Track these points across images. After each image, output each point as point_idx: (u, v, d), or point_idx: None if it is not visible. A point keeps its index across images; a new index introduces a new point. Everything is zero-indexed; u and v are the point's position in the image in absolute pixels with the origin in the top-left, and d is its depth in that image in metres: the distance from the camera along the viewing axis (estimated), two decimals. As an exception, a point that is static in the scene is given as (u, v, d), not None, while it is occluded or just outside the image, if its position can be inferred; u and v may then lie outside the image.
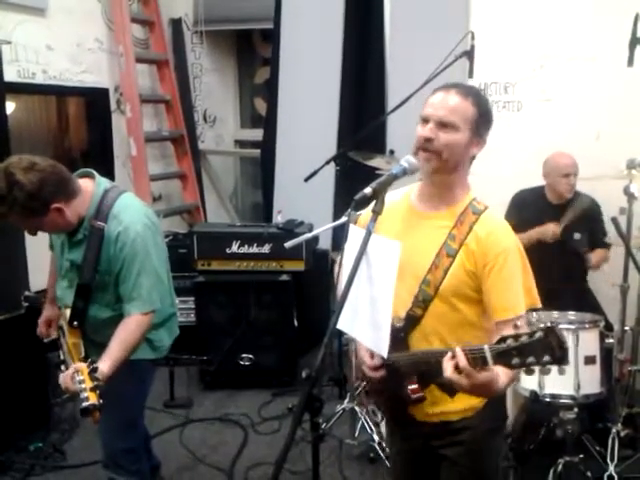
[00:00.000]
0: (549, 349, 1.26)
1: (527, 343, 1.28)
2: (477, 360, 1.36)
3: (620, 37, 3.53)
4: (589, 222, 3.21)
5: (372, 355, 1.70)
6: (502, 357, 1.32)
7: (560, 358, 1.27)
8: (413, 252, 1.60)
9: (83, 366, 1.93)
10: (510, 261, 1.57)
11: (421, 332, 1.63)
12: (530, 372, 1.32)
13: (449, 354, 1.41)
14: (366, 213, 1.65)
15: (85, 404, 1.85)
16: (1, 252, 3.07)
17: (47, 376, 3.19)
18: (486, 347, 1.34)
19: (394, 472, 1.98)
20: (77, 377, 1.90)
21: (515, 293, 1.56)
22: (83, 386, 1.87)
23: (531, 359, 1.28)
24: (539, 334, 1.27)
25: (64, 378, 1.97)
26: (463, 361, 1.37)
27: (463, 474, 1.72)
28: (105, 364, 2.00)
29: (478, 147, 1.61)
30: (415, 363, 1.58)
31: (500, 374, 1.44)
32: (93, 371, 1.92)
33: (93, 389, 1.88)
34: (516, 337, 1.30)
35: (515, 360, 1.30)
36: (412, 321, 1.62)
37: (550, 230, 3.10)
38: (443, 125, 1.54)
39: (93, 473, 2.95)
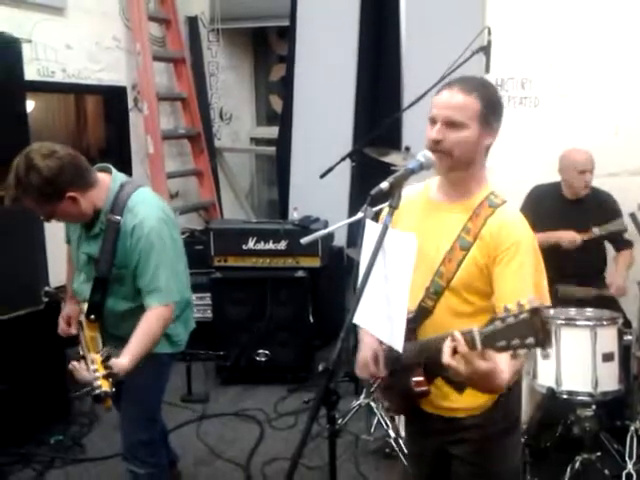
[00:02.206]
0: (533, 331, 1.24)
1: (512, 324, 1.26)
2: (468, 343, 1.34)
3: (637, 30, 3.49)
4: (605, 216, 3.17)
5: (376, 359, 1.69)
6: (489, 339, 1.30)
7: (542, 340, 1.24)
8: (428, 244, 1.60)
9: (97, 356, 1.98)
10: (521, 254, 1.54)
11: (432, 324, 1.62)
12: (515, 356, 1.30)
13: (449, 337, 1.38)
14: (386, 209, 1.64)
15: (97, 391, 1.89)
16: (21, 248, 3.11)
17: (66, 370, 3.22)
18: (475, 329, 1.33)
19: (411, 473, 1.97)
20: (92, 367, 1.94)
21: (521, 285, 1.53)
22: (97, 375, 1.92)
23: (516, 341, 1.25)
24: (524, 315, 1.24)
25: (79, 370, 1.99)
26: (462, 344, 1.34)
27: (475, 473, 1.70)
28: (125, 358, 2.02)
29: (490, 138, 1.59)
30: (420, 351, 1.57)
31: (503, 369, 1.42)
32: (106, 359, 1.96)
33: (106, 377, 1.92)
34: (503, 319, 1.28)
35: (501, 342, 1.28)
36: (423, 312, 1.62)
37: (570, 237, 3.07)
38: (450, 124, 1.54)
39: (112, 466, 2.99)
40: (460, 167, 1.58)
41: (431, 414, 1.70)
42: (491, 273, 1.56)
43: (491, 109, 1.57)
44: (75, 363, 1.99)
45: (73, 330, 2.39)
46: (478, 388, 1.49)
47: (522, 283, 1.53)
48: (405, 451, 2.84)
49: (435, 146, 1.55)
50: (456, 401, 1.64)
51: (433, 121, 1.56)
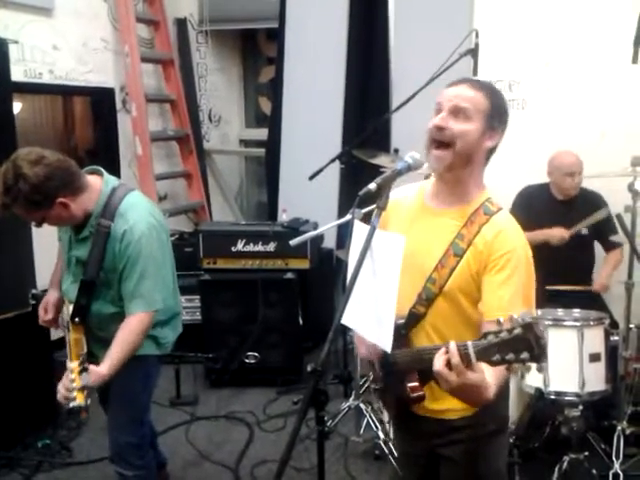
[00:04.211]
0: (528, 346, 1.24)
1: (506, 339, 1.26)
2: (463, 357, 1.34)
3: (625, 34, 3.53)
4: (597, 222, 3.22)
5: (371, 362, 1.70)
6: (484, 353, 1.30)
7: (538, 355, 1.24)
8: (421, 249, 1.60)
9: (75, 366, 1.98)
10: (512, 263, 1.53)
11: (423, 330, 1.62)
12: (511, 370, 1.30)
13: (442, 349, 1.38)
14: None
15: (72, 404, 1.91)
16: (8, 250, 3.09)
17: (54, 373, 3.21)
18: (469, 343, 1.33)
19: (401, 475, 1.97)
20: (70, 376, 1.95)
21: (509, 295, 1.52)
22: (73, 385, 1.93)
23: (510, 356, 1.26)
24: (518, 330, 1.25)
25: (62, 385, 2.01)
26: (456, 357, 1.34)
27: (464, 475, 1.71)
28: (105, 365, 2.04)
29: (492, 140, 1.58)
30: (412, 360, 1.57)
31: (490, 383, 1.41)
32: (83, 371, 1.96)
33: (81, 389, 1.93)
34: (497, 333, 1.28)
35: (496, 356, 1.28)
36: (414, 318, 1.62)
37: (558, 234, 3.11)
38: (456, 112, 1.53)
39: (100, 470, 2.98)
40: (459, 164, 1.56)
41: (422, 416, 1.70)
42: (481, 280, 1.56)
43: (497, 113, 1.58)
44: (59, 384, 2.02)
45: (50, 315, 2.35)
46: (464, 400, 1.48)
47: (510, 294, 1.52)
48: (395, 453, 2.86)
49: (437, 133, 1.53)
50: (448, 402, 1.63)
51: (438, 110, 1.56)
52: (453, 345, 1.35)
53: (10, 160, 2.00)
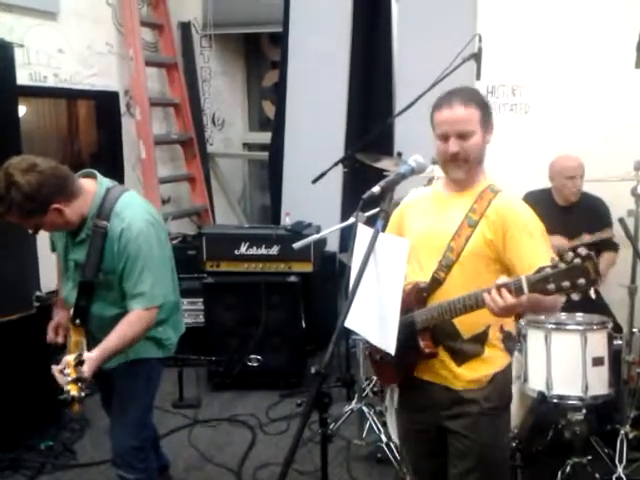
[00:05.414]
0: (585, 273, 1.38)
1: (564, 269, 1.40)
2: (511, 292, 1.49)
3: (627, 39, 3.53)
4: (596, 221, 3.21)
5: None
6: (538, 284, 1.44)
7: (594, 280, 1.39)
8: (438, 226, 1.80)
9: (71, 359, 1.98)
10: (530, 226, 1.72)
11: (442, 294, 1.75)
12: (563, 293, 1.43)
13: (490, 293, 1.52)
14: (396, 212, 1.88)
15: (64, 395, 1.90)
16: (12, 253, 3.10)
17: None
18: (523, 277, 1.47)
19: (406, 453, 2.02)
20: (65, 370, 1.95)
21: (541, 250, 1.68)
22: (68, 379, 1.93)
23: (566, 283, 1.40)
24: (577, 260, 1.38)
25: (55, 374, 2.00)
26: (506, 296, 1.49)
27: (470, 447, 1.78)
28: (97, 350, 2.04)
29: (490, 134, 1.81)
30: (438, 313, 1.71)
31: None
32: (79, 364, 1.96)
33: (75, 381, 1.93)
34: (553, 266, 1.42)
35: (551, 286, 1.42)
36: (436, 283, 1.77)
37: (557, 244, 3.06)
38: (462, 136, 1.73)
39: (103, 472, 2.98)
40: (474, 166, 1.78)
41: (430, 383, 1.80)
42: (500, 249, 1.72)
43: (486, 111, 1.79)
44: (54, 367, 2.00)
45: (60, 339, 2.37)
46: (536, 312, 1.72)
47: (541, 250, 1.69)
48: (396, 454, 2.86)
49: (454, 157, 1.74)
50: (454, 371, 1.77)
51: (445, 137, 1.74)
52: (502, 280, 1.52)
53: (2, 169, 1.99)
